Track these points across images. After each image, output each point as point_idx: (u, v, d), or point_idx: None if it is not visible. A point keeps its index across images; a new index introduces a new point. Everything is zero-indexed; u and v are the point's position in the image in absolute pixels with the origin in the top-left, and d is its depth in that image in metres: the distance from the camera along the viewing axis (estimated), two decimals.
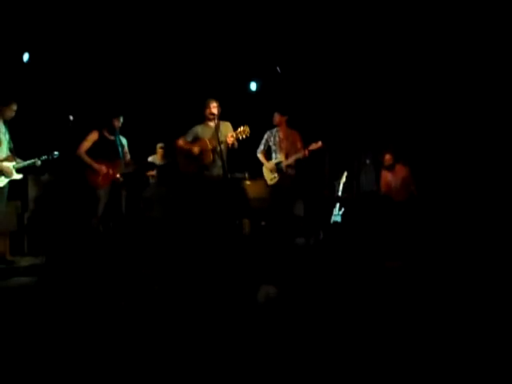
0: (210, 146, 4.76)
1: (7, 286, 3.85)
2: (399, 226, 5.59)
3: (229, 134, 4.68)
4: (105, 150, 4.98)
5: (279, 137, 5.65)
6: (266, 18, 5.88)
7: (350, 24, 5.89)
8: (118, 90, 6.55)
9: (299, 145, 5.55)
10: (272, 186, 5.65)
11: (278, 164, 5.58)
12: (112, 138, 5.07)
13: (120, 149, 5.11)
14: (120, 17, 5.84)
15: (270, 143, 5.73)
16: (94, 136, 4.96)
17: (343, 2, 5.58)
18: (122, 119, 5.07)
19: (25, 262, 4.99)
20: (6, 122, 4.64)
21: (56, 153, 4.88)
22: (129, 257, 4.65)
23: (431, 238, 5.13)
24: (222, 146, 4.71)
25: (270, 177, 5.63)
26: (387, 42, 5.89)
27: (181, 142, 4.95)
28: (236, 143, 4.76)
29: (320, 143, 5.20)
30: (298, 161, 5.58)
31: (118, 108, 5.30)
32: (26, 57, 5.92)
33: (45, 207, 5.58)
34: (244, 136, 4.66)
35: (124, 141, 5.22)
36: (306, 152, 5.18)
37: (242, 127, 4.69)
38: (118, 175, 5.01)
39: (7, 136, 4.62)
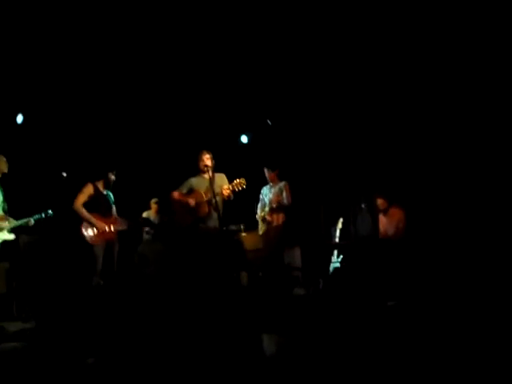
0: (205, 198, 4.73)
1: None
2: (397, 268, 5.49)
3: (225, 186, 4.69)
4: (99, 205, 4.90)
5: (271, 190, 5.89)
6: (257, 70, 5.99)
7: (336, 75, 6.01)
8: (110, 144, 6.60)
9: (285, 194, 5.72)
10: (262, 236, 5.87)
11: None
12: (105, 192, 5.01)
13: (112, 204, 5.07)
14: (108, 72, 5.90)
15: (265, 198, 5.91)
16: (89, 189, 4.89)
17: (329, 54, 5.70)
18: (115, 174, 5.07)
19: (13, 327, 4.73)
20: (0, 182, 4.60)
21: (50, 211, 4.87)
22: (123, 315, 4.45)
23: (429, 277, 5.03)
24: (218, 197, 4.69)
25: (260, 228, 5.91)
26: (373, 91, 6.00)
27: (176, 194, 4.93)
28: (232, 195, 4.75)
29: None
30: (287, 209, 5.76)
31: (113, 162, 5.32)
32: (19, 118, 5.98)
33: (35, 268, 5.43)
34: (240, 188, 4.67)
35: (112, 196, 5.18)
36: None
37: (238, 179, 4.70)
38: (115, 234, 4.93)
39: (1, 196, 4.58)
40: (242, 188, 4.67)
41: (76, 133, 6.44)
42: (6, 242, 4.62)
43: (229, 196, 4.73)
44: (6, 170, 4.59)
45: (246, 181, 4.79)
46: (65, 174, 5.12)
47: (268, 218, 5.80)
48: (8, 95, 5.74)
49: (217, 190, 4.70)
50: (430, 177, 5.80)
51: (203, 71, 6.03)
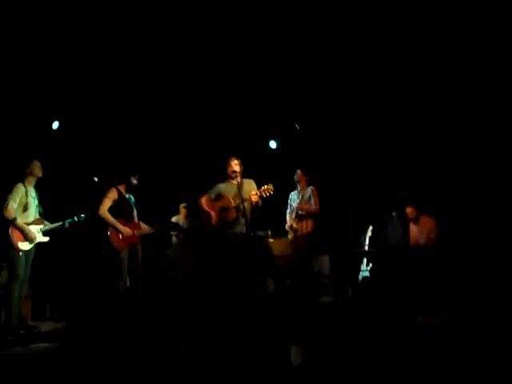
0: (233, 204, 4.68)
1: (27, 353, 3.73)
2: (428, 278, 5.35)
3: (252, 192, 4.63)
4: (122, 209, 4.92)
5: (299, 195, 5.85)
6: (286, 75, 5.98)
7: (370, 82, 5.96)
8: (140, 149, 6.67)
9: (313, 200, 5.67)
10: (290, 243, 5.81)
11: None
12: (127, 196, 5.03)
13: (134, 208, 5.08)
14: (140, 80, 5.98)
15: (294, 204, 5.87)
16: (113, 193, 4.89)
17: (364, 61, 5.64)
18: (137, 177, 5.08)
19: (46, 326, 4.89)
20: (35, 187, 4.73)
21: (82, 215, 4.90)
22: (151, 318, 4.48)
23: (459, 290, 4.91)
24: (246, 203, 4.64)
25: (289, 234, 5.86)
26: (408, 97, 5.92)
27: (204, 200, 4.90)
28: (260, 201, 4.69)
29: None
30: (316, 216, 5.69)
31: (135, 166, 5.32)
32: (55, 125, 6.16)
33: (67, 271, 5.55)
34: (268, 194, 4.60)
35: (133, 199, 5.16)
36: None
37: (265, 185, 4.63)
38: (138, 238, 4.93)
39: (36, 200, 4.69)
40: (270, 194, 4.60)
41: (106, 137, 6.57)
42: (40, 244, 4.69)
43: (257, 202, 4.66)
44: (40, 175, 4.70)
45: (275, 186, 4.73)
46: (96, 179, 5.20)
47: (295, 225, 5.75)
48: (44, 102, 5.93)
49: (245, 195, 4.65)
50: (463, 185, 5.69)
51: (233, 77, 6.09)
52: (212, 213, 4.72)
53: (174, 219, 6.64)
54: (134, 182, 5.02)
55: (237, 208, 4.66)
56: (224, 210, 4.74)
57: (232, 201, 4.71)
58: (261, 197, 4.64)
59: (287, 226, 5.87)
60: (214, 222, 4.70)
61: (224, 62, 5.82)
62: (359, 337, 3.59)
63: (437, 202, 5.85)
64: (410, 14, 4.94)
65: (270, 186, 4.61)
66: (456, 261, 5.39)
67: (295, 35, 5.39)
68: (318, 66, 5.88)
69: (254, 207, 4.83)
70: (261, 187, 4.68)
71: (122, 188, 4.97)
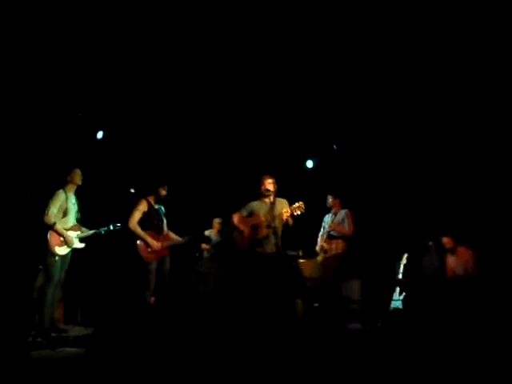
0: (264, 221, 4.64)
1: (54, 356, 3.82)
2: (465, 313, 5.12)
3: (284, 210, 4.57)
4: (152, 221, 4.96)
5: (332, 218, 5.80)
6: (327, 94, 5.97)
7: (405, 104, 5.88)
8: (178, 162, 6.78)
9: (347, 222, 5.61)
10: (320, 264, 5.72)
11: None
12: (156, 207, 5.06)
13: (164, 219, 5.12)
14: (179, 93, 6.06)
15: (326, 226, 5.83)
16: (143, 206, 4.95)
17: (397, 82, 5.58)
18: (167, 188, 5.10)
19: (76, 331, 4.99)
20: (75, 194, 4.88)
21: (118, 224, 4.96)
22: (178, 331, 4.50)
23: (497, 325, 4.66)
24: (277, 221, 4.60)
25: (320, 256, 5.80)
26: (451, 126, 5.81)
27: (236, 217, 4.88)
28: (291, 220, 4.62)
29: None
30: (348, 239, 5.63)
31: (164, 176, 5.37)
32: (100, 134, 6.38)
33: (99, 278, 5.66)
34: (299, 212, 4.52)
35: (163, 210, 5.19)
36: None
37: (297, 203, 4.57)
38: (167, 249, 4.96)
39: (76, 206, 4.84)
40: (301, 212, 4.52)
41: (143, 150, 6.71)
42: (76, 250, 4.82)
43: (287, 220, 4.59)
44: (80, 183, 4.83)
45: (309, 207, 4.67)
46: (133, 190, 5.24)
47: (326, 245, 5.67)
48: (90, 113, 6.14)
49: (276, 214, 4.62)
50: (503, 217, 5.48)
51: (272, 94, 6.10)
52: (243, 228, 4.72)
53: (206, 233, 6.68)
54: (164, 192, 5.04)
55: (268, 225, 4.62)
56: (255, 227, 4.70)
57: (263, 218, 4.66)
58: (292, 215, 4.56)
59: (318, 248, 5.81)
60: (245, 237, 4.67)
61: (266, 78, 5.85)
62: (386, 368, 3.47)
63: (476, 233, 5.66)
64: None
65: (302, 204, 4.54)
66: (495, 294, 5.15)
67: (335, 54, 5.40)
68: (362, 91, 5.86)
69: (286, 226, 4.75)
70: (292, 205, 4.61)
71: (151, 199, 5.02)
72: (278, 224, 4.64)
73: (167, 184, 5.11)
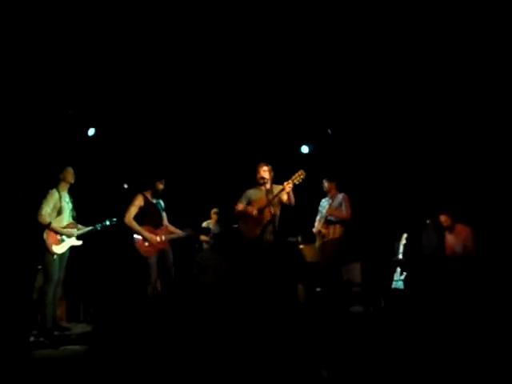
0: (266, 202, 4.57)
1: (57, 355, 3.81)
2: (466, 288, 5.13)
3: (285, 183, 4.50)
4: (150, 215, 4.90)
5: (329, 202, 5.72)
6: (319, 79, 5.93)
7: (401, 89, 5.84)
8: (170, 154, 6.69)
9: (344, 206, 5.54)
10: (318, 249, 5.70)
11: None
12: (154, 201, 5.02)
13: (162, 213, 5.08)
14: (170, 86, 6.02)
15: (323, 211, 5.73)
16: (139, 200, 4.89)
17: (402, 72, 5.56)
18: (164, 182, 5.05)
19: (79, 328, 4.99)
20: (69, 192, 4.84)
21: (114, 219, 4.94)
22: (180, 323, 4.48)
23: (496, 300, 4.67)
24: (275, 208, 4.58)
25: (318, 241, 5.74)
26: (445, 107, 5.77)
27: (240, 206, 4.81)
28: (293, 198, 4.57)
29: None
30: (345, 223, 5.54)
31: (160, 170, 5.29)
32: (91, 131, 6.31)
33: (100, 274, 5.62)
34: (300, 180, 4.47)
35: (162, 204, 5.14)
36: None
37: (296, 173, 4.50)
38: (167, 243, 4.91)
39: (70, 204, 4.79)
40: (302, 180, 4.47)
41: (137, 144, 6.65)
42: (73, 247, 4.78)
43: (289, 196, 4.52)
44: (72, 181, 4.78)
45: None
46: (126, 186, 5.16)
47: (323, 230, 5.60)
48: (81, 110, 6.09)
49: (274, 201, 4.56)
50: (501, 193, 5.46)
51: (266, 81, 6.05)
52: (251, 211, 4.65)
53: (204, 224, 6.67)
54: (161, 186, 5.00)
55: (269, 204, 4.53)
56: (261, 211, 4.63)
57: (265, 198, 4.58)
58: (294, 185, 4.47)
59: (315, 231, 5.73)
60: (252, 224, 4.61)
61: (260, 66, 5.81)
62: (390, 348, 3.47)
63: (474, 210, 5.62)
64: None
65: (301, 172, 4.47)
66: (494, 270, 5.14)
67: (330, 41, 5.39)
68: (354, 71, 5.80)
69: (284, 211, 4.73)
70: (292, 176, 4.51)
71: (148, 194, 4.98)
72: (276, 211, 4.61)
73: (164, 178, 5.06)
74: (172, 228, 5.11)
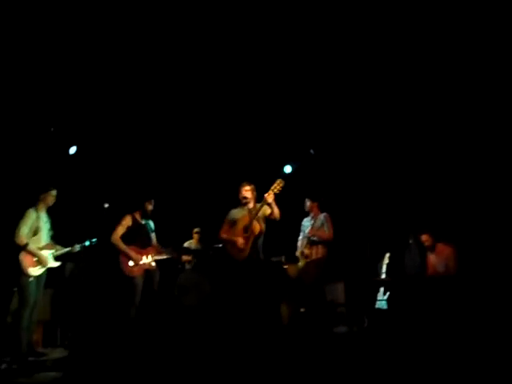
0: (248, 219, 4.58)
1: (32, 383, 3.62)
2: (448, 308, 5.14)
3: (265, 194, 4.44)
4: (138, 236, 4.88)
5: (311, 222, 5.65)
6: (302, 100, 5.96)
7: (385, 107, 5.89)
8: (153, 174, 6.63)
9: (326, 226, 5.49)
10: (301, 270, 5.58)
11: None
12: (143, 222, 4.99)
13: (151, 234, 5.04)
14: (155, 104, 6.03)
15: (306, 231, 5.67)
16: (127, 221, 4.87)
17: (383, 88, 5.61)
18: (153, 202, 5.02)
19: (55, 354, 4.79)
20: (47, 211, 4.71)
21: (94, 239, 4.85)
22: (162, 346, 4.38)
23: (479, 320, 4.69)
24: (259, 226, 4.57)
25: (300, 262, 5.63)
26: (425, 124, 5.82)
27: (223, 233, 4.79)
28: (277, 210, 4.51)
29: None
30: (329, 243, 5.48)
31: (150, 191, 5.28)
32: (73, 150, 6.20)
33: (79, 297, 5.49)
34: (279, 188, 4.42)
35: (152, 224, 5.12)
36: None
37: (275, 182, 4.45)
38: (153, 263, 4.87)
39: (48, 224, 4.67)
40: (281, 188, 4.43)
41: (119, 164, 6.59)
42: (51, 269, 4.64)
43: (271, 209, 4.47)
44: (51, 204, 4.68)
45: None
46: (107, 205, 5.12)
47: (306, 251, 5.52)
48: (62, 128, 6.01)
49: (257, 215, 4.54)
50: (482, 212, 5.51)
51: (249, 101, 6.06)
52: (236, 238, 4.61)
53: (186, 244, 6.56)
54: (150, 207, 4.97)
55: (253, 217, 4.53)
56: (247, 229, 4.59)
57: (248, 214, 4.59)
58: (275, 194, 4.43)
59: (298, 253, 5.66)
60: (240, 246, 4.56)
61: (240, 84, 5.80)
62: (374, 368, 3.45)
63: (456, 229, 5.66)
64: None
65: (280, 181, 4.44)
66: (476, 290, 5.16)
67: (314, 58, 5.40)
68: (336, 91, 5.84)
69: (268, 231, 4.67)
70: (271, 186, 4.46)
71: (137, 215, 4.95)
72: (262, 226, 4.60)
73: (153, 198, 5.04)
74: (160, 249, 5.06)
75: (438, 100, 5.56)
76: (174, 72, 5.56)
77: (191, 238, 6.71)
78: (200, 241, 6.62)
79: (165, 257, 5.03)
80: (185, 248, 6.37)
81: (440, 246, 5.61)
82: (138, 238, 4.85)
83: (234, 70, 5.53)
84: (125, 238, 4.81)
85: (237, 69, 5.50)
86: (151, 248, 4.94)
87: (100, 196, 5.48)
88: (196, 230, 6.69)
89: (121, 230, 4.82)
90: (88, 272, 5.63)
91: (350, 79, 5.61)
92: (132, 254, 4.75)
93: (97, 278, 5.67)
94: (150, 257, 4.85)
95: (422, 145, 5.94)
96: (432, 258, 5.68)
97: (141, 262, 4.77)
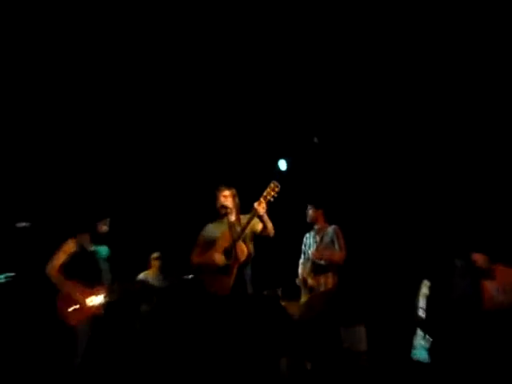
0: (231, 236, 3.91)
1: None
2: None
3: (255, 204, 3.82)
4: (83, 267, 4.25)
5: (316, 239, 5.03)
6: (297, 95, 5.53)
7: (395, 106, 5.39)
8: (98, 188, 6.00)
9: (337, 244, 4.82)
10: (303, 306, 4.89)
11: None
12: (92, 248, 4.39)
13: (101, 265, 4.41)
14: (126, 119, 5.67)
15: (309, 251, 5.00)
16: (69, 247, 4.26)
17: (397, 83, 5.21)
18: (108, 223, 4.48)
19: None
20: None
21: (11, 274, 4.60)
22: None
23: None
24: (248, 242, 3.93)
25: (303, 295, 4.97)
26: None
27: (195, 258, 4.13)
28: (270, 224, 3.90)
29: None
30: (340, 269, 4.78)
31: (103, 209, 4.71)
32: None
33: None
34: (274, 194, 3.80)
35: (105, 252, 4.51)
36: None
37: (268, 186, 3.79)
38: (100, 308, 4.18)
39: None
40: (277, 193, 3.80)
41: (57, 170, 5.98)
42: None
43: (266, 228, 3.85)
44: None
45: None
46: (25, 224, 4.68)
47: (311, 281, 4.80)
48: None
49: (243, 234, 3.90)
50: None
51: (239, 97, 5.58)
52: (215, 255, 3.89)
53: (141, 276, 5.67)
54: (104, 228, 4.40)
55: (238, 238, 3.87)
56: (229, 254, 3.91)
57: (229, 236, 3.94)
58: (268, 202, 3.80)
59: (298, 281, 4.98)
60: (220, 262, 3.88)
61: (226, 75, 5.40)
62: None
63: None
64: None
65: (274, 185, 3.82)
66: None
67: (316, 53, 5.15)
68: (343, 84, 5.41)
69: (264, 240, 3.99)
70: (263, 193, 3.82)
71: (84, 239, 4.36)
72: (250, 247, 3.98)
73: (108, 217, 4.51)
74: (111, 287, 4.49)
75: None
76: (160, 84, 5.31)
77: (148, 267, 5.86)
78: (161, 270, 5.78)
79: (116, 297, 4.42)
80: (139, 282, 5.46)
81: (500, 269, 4.75)
82: (82, 272, 4.25)
83: (222, 61, 5.19)
84: (67, 269, 4.19)
85: (225, 58, 5.17)
86: (102, 286, 4.28)
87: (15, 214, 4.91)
88: (155, 255, 5.87)
89: (60, 258, 4.22)
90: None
91: (352, 72, 5.27)
92: (74, 293, 4.10)
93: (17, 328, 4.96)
94: (99, 297, 4.18)
95: (464, 138, 5.22)
96: (489, 286, 4.74)
97: (86, 305, 4.11)
